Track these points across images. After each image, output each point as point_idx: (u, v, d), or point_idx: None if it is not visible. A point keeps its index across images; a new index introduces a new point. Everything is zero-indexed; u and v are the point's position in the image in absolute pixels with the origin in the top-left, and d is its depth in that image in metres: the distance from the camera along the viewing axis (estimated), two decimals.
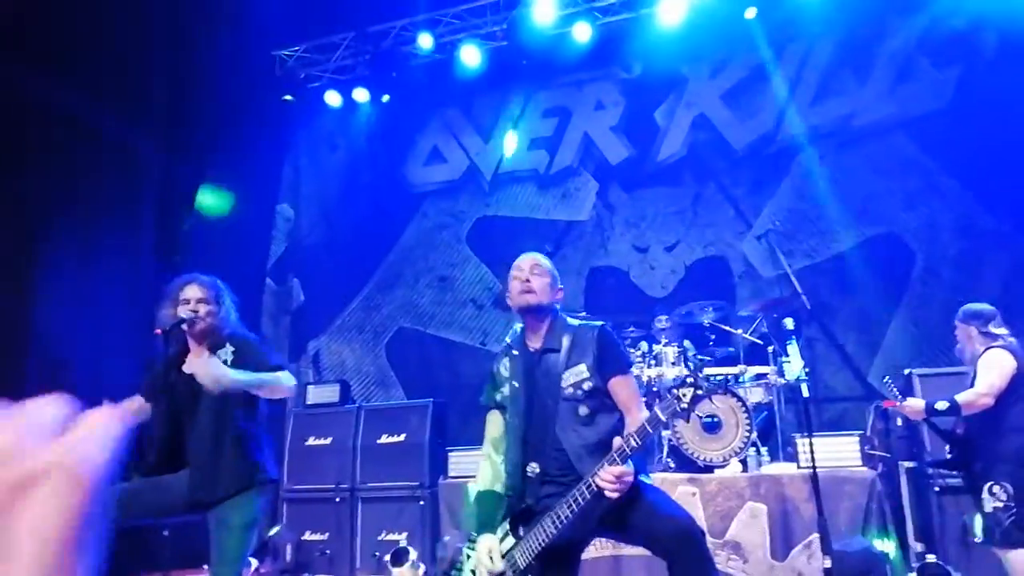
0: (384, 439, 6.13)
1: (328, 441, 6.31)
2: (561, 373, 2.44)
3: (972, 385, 3.53)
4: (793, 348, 3.43)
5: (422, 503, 5.78)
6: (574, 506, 2.26)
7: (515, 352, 2.59)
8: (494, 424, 2.62)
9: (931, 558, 4.23)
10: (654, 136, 6.95)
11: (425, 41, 7.13)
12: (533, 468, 2.42)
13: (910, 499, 4.65)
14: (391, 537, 5.80)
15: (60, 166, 6.05)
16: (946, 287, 5.79)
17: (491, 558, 2.38)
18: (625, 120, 7.10)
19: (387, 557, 5.48)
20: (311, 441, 6.40)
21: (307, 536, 6.09)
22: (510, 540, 2.41)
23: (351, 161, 7.84)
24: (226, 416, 2.84)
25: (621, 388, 2.45)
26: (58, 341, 5.79)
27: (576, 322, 2.59)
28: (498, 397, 2.59)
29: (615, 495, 2.19)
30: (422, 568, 5.35)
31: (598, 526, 2.36)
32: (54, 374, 5.75)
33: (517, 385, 2.53)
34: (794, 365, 3.35)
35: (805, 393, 3.29)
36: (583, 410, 2.41)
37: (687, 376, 2.25)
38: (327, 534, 6.05)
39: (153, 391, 2.98)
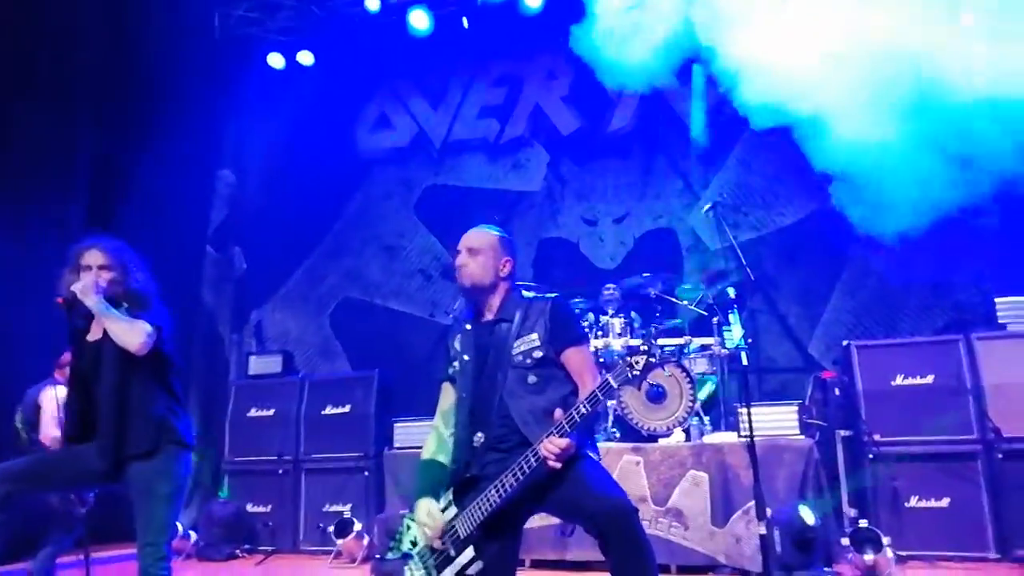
0: (329, 410, 6.04)
1: (271, 412, 6.20)
2: (512, 342, 2.44)
3: None
4: (734, 317, 3.46)
5: (367, 474, 5.74)
6: (519, 474, 2.26)
7: (468, 326, 2.60)
8: (446, 397, 2.61)
9: (863, 523, 4.37)
10: (605, 108, 6.91)
11: (372, 3, 6.92)
12: (479, 438, 2.41)
13: (845, 466, 4.79)
14: (335, 508, 5.75)
15: None
16: (883, 261, 5.93)
17: (431, 519, 2.39)
18: (576, 91, 7.03)
19: (331, 528, 5.44)
20: (253, 412, 6.28)
21: (250, 508, 5.99)
22: (452, 510, 2.40)
23: (296, 125, 7.60)
24: (129, 377, 2.75)
25: (574, 359, 2.44)
26: None
27: (530, 295, 2.59)
28: (450, 371, 2.59)
29: (557, 465, 2.20)
30: (366, 539, 5.32)
31: (536, 501, 2.34)
32: None
33: (467, 358, 2.53)
34: (735, 333, 3.39)
35: (744, 361, 3.33)
36: (532, 378, 2.40)
37: (640, 344, 2.22)
38: (270, 506, 5.97)
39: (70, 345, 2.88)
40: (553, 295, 2.59)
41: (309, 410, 6.10)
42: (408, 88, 7.58)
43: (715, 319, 5.37)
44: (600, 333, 5.47)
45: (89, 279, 2.75)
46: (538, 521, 4.90)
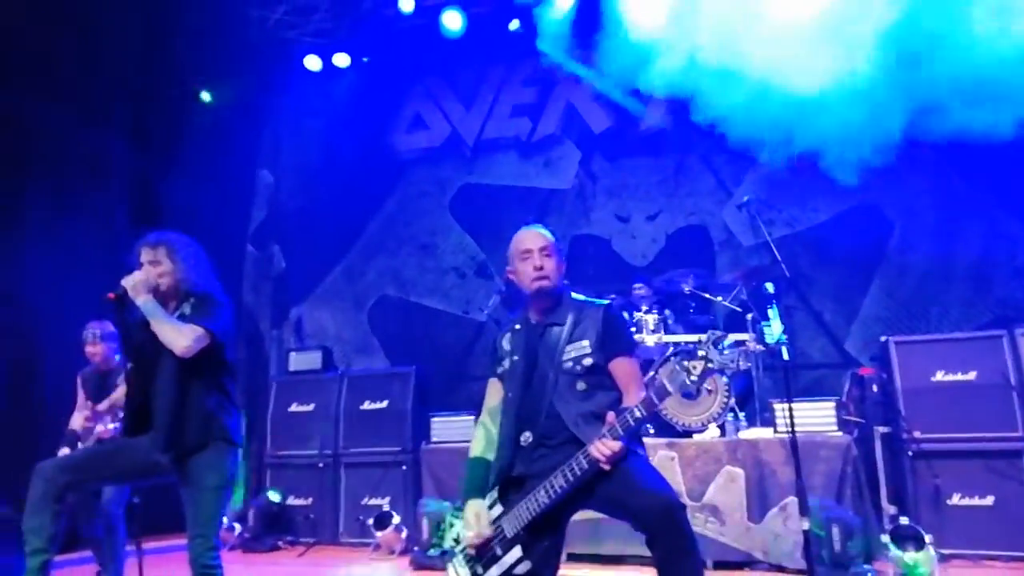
0: (367, 405, 6.15)
1: (311, 407, 6.33)
2: (563, 347, 2.43)
3: None
4: (773, 312, 3.47)
5: (404, 468, 5.83)
6: (570, 476, 2.27)
7: (517, 327, 2.61)
8: (494, 393, 2.62)
9: (904, 520, 4.34)
10: (638, 105, 6.90)
11: (406, 5, 7.00)
12: (526, 437, 2.42)
13: (884, 463, 4.76)
14: (374, 502, 5.85)
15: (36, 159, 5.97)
16: (922, 257, 5.87)
17: (478, 523, 2.41)
18: (608, 88, 7.03)
19: (370, 521, 5.54)
20: (294, 407, 6.41)
21: (291, 501, 6.12)
22: (499, 508, 2.42)
23: (332, 126, 7.73)
24: (189, 374, 2.80)
25: (621, 368, 2.43)
26: (32, 313, 5.72)
27: (581, 298, 2.58)
28: (499, 370, 2.60)
29: (607, 467, 2.22)
30: (405, 532, 5.42)
31: (583, 499, 2.34)
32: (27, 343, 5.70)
33: (517, 358, 2.53)
34: (774, 328, 3.39)
35: (785, 356, 3.33)
36: (581, 385, 2.42)
37: (698, 348, 2.20)
38: (311, 499, 6.09)
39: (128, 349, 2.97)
40: (606, 302, 2.57)
41: (348, 405, 6.21)
42: (442, 88, 7.66)
43: (749, 315, 5.36)
44: (633, 330, 5.50)
45: (140, 276, 2.81)
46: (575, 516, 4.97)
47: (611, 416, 2.25)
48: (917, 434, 4.64)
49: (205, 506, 2.77)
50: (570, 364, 2.42)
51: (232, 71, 7.37)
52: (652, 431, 5.19)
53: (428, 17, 7.08)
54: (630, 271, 6.52)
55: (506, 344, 2.61)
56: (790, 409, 3.67)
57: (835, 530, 4.00)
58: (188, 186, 7.00)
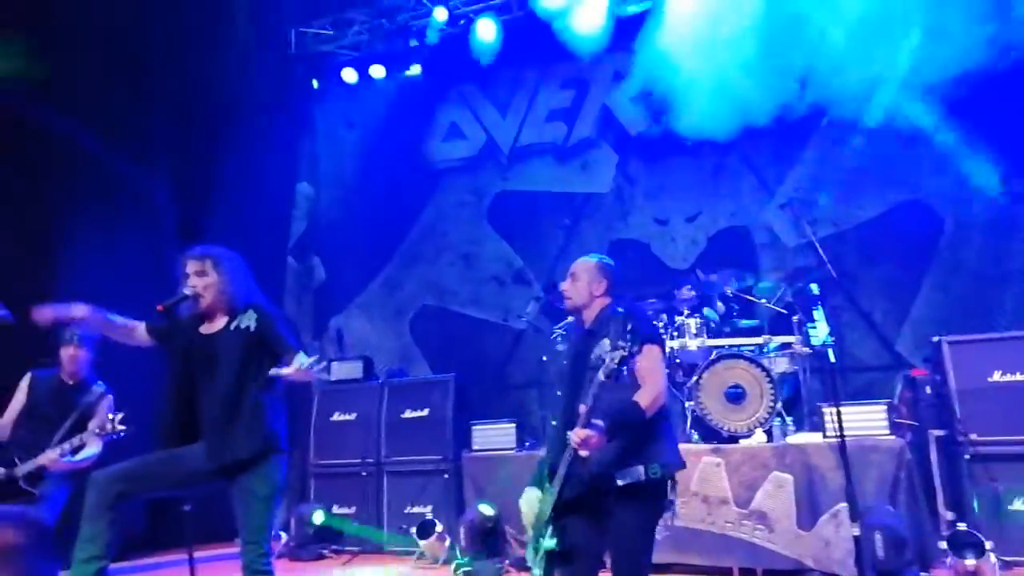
0: (408, 414, 6.17)
1: (353, 416, 6.38)
2: (592, 351, 2.69)
3: None
4: (819, 313, 3.38)
5: (446, 476, 5.83)
6: (564, 466, 2.57)
7: (571, 337, 3.04)
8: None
9: (962, 526, 4.18)
10: (674, 106, 6.82)
11: (440, 14, 7.06)
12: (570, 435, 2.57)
13: (940, 468, 4.59)
14: (417, 510, 5.86)
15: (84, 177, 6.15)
16: (975, 253, 5.67)
17: (526, 505, 2.75)
18: (644, 90, 6.97)
19: (414, 529, 5.55)
20: (336, 417, 6.47)
21: (335, 510, 6.17)
22: (549, 496, 2.68)
23: (369, 138, 7.81)
24: (245, 383, 2.85)
25: (640, 362, 2.58)
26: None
27: (622, 310, 2.74)
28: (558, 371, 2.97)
29: (583, 453, 2.46)
30: (448, 540, 5.41)
31: (591, 513, 2.60)
32: None
33: (566, 363, 2.91)
34: (820, 330, 3.30)
35: (832, 358, 3.23)
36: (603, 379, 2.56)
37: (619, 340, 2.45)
38: (354, 507, 6.13)
39: (165, 338, 3.02)
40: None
41: (389, 414, 6.24)
42: (477, 96, 7.69)
43: (795, 317, 5.24)
44: (676, 334, 5.42)
45: (303, 373, 2.74)
46: None
47: (582, 407, 2.49)
48: (974, 437, 4.46)
49: (257, 514, 2.81)
50: (595, 362, 2.64)
51: (272, 85, 7.50)
52: (697, 437, 5.11)
53: (462, 26, 7.12)
54: (671, 274, 6.44)
55: (563, 349, 3.08)
56: (838, 412, 3.56)
57: (877, 537, 3.86)
58: (229, 200, 7.13)
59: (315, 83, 7.71)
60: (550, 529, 2.59)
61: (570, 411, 2.67)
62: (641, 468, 2.52)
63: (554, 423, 2.87)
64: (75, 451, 3.81)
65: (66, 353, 3.99)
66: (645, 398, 2.53)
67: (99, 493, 2.77)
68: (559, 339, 5.89)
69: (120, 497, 2.79)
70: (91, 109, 6.17)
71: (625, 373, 2.48)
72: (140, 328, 3.07)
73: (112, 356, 4.10)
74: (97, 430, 3.62)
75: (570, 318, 5.56)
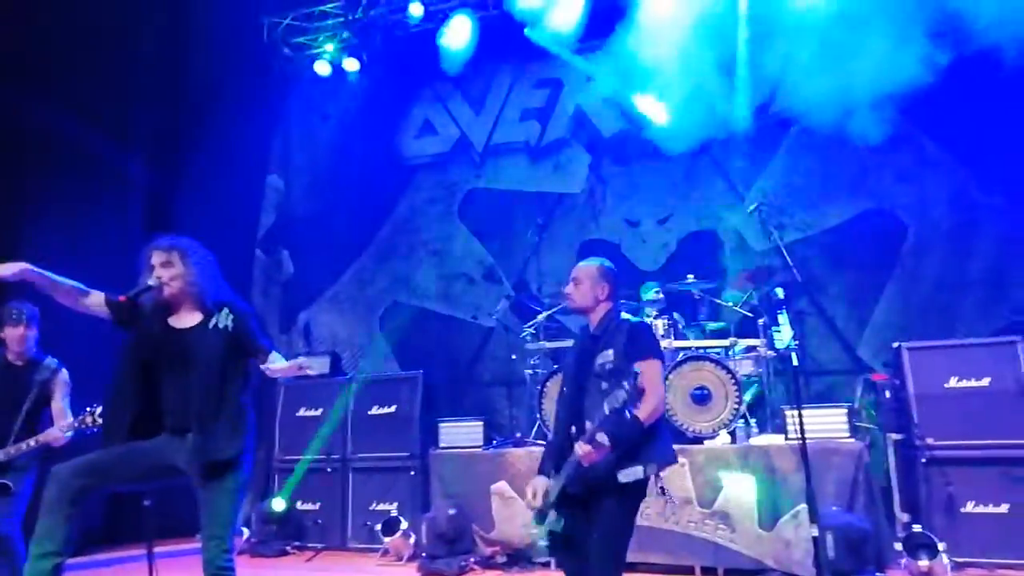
0: (375, 410, 6.14)
1: (319, 412, 6.32)
2: (595, 355, 2.90)
3: None
4: (784, 317, 3.44)
5: (413, 473, 5.81)
6: (571, 466, 2.78)
7: (578, 336, 3.16)
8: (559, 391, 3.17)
9: (917, 528, 4.29)
10: (647, 108, 6.87)
11: (416, 10, 7.02)
12: (574, 429, 2.87)
13: (897, 470, 4.70)
14: (382, 507, 5.84)
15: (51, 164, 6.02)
16: (937, 262, 5.81)
17: (533, 493, 2.93)
18: (618, 92, 7.01)
19: (378, 527, 5.53)
20: (302, 412, 6.41)
21: (300, 506, 6.11)
22: (555, 483, 2.89)
23: (342, 132, 7.74)
24: (228, 383, 2.84)
25: (641, 373, 2.73)
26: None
27: (626, 316, 3.03)
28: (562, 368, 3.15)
29: (585, 463, 2.71)
30: (413, 538, 5.39)
31: (585, 505, 2.82)
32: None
33: (570, 362, 3.10)
34: (784, 334, 3.37)
35: (795, 361, 3.30)
36: (603, 385, 2.81)
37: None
38: (319, 504, 6.08)
39: (127, 321, 2.93)
40: (636, 319, 3.04)
41: (356, 410, 6.20)
42: (451, 93, 7.66)
43: (760, 320, 5.32)
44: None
45: (292, 367, 2.92)
46: None
47: (589, 425, 2.71)
48: (930, 441, 4.57)
49: (222, 509, 2.78)
50: (598, 368, 2.88)
51: (243, 77, 7.40)
52: None
53: (437, 22, 7.08)
54: (641, 276, 6.49)
55: (571, 347, 3.22)
56: (800, 415, 3.63)
57: (829, 537, 3.94)
58: (198, 191, 7.04)
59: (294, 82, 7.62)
60: (554, 513, 2.84)
61: (573, 407, 2.92)
62: (640, 467, 2.75)
63: (559, 416, 3.07)
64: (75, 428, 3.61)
65: (11, 333, 3.80)
66: (644, 412, 2.73)
67: (60, 487, 2.70)
68: (528, 338, 5.92)
69: (82, 492, 2.73)
70: (64, 95, 6.06)
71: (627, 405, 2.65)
72: (96, 296, 2.92)
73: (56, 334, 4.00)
74: (76, 425, 3.49)
75: (540, 317, 5.66)
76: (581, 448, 2.68)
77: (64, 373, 3.89)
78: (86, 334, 3.41)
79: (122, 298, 2.86)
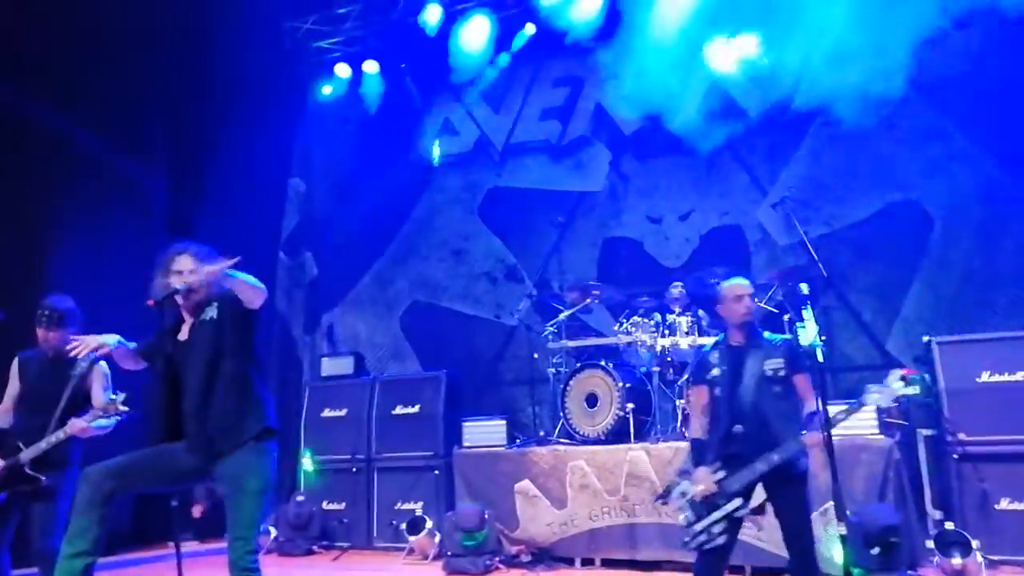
0: (399, 410, 6.16)
1: (343, 412, 6.36)
2: (763, 362, 3.30)
3: None
4: (808, 313, 3.39)
5: (437, 473, 5.83)
6: (782, 454, 3.15)
7: (722, 347, 3.48)
8: (701, 395, 3.47)
9: (949, 525, 4.20)
10: (668, 104, 6.82)
11: (433, 15, 7.04)
12: (738, 428, 3.25)
13: (928, 467, 4.61)
14: (407, 506, 5.86)
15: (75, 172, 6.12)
16: (966, 254, 5.69)
17: (707, 481, 3.23)
18: (638, 88, 6.96)
19: (403, 526, 5.55)
20: (327, 413, 6.45)
21: (325, 506, 6.16)
22: (722, 472, 3.24)
23: (363, 134, 7.79)
24: (217, 371, 2.84)
25: (802, 382, 3.29)
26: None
27: (767, 333, 3.47)
28: (707, 377, 3.43)
29: (811, 454, 3.21)
30: (438, 536, 5.40)
31: (774, 494, 3.25)
32: None
33: (725, 368, 3.39)
34: (809, 330, 3.32)
35: (820, 357, 3.25)
36: (777, 389, 3.26)
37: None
38: (344, 504, 6.12)
39: (152, 357, 3.00)
40: (788, 336, 3.65)
41: (380, 410, 6.23)
42: (470, 93, 7.66)
43: (786, 316, 5.25)
44: (667, 331, 5.43)
45: (214, 267, 2.78)
46: (607, 521, 4.92)
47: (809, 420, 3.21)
48: (962, 436, 4.48)
49: (246, 509, 2.78)
50: (771, 373, 3.28)
51: (265, 80, 7.47)
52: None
53: (456, 22, 7.10)
54: (663, 272, 6.44)
55: (713, 359, 3.46)
56: (826, 412, 3.56)
57: (865, 535, 3.88)
58: (221, 194, 7.11)
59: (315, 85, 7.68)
60: (739, 499, 3.20)
61: (737, 409, 3.30)
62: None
63: (708, 419, 3.41)
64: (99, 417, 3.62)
65: (42, 335, 3.80)
66: (813, 406, 3.30)
67: (92, 488, 2.75)
68: (550, 337, 5.90)
69: (113, 493, 2.77)
70: (84, 103, 6.14)
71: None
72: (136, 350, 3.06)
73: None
74: (101, 412, 3.53)
75: (561, 316, 5.63)
76: (811, 438, 3.12)
77: (103, 365, 3.86)
78: (124, 329, 3.45)
79: (150, 302, 2.88)
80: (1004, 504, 4.35)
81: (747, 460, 3.22)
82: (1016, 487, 4.35)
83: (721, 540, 3.26)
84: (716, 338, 3.63)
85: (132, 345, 3.03)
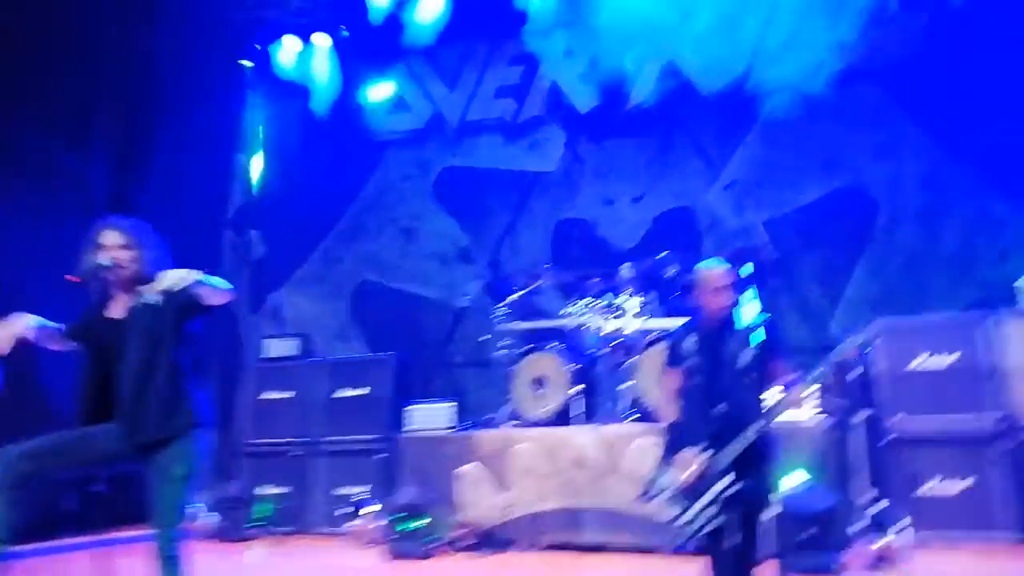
0: (345, 392, 6.06)
1: (288, 394, 6.23)
2: (740, 347, 3.19)
3: None
4: (749, 294, 3.40)
5: (383, 456, 5.75)
6: (769, 419, 3.09)
7: (698, 331, 3.34)
8: (675, 379, 3.35)
9: (882, 504, 4.28)
10: (624, 84, 6.77)
11: None
12: (721, 408, 3.15)
13: (864, 448, 4.68)
14: (351, 490, 5.77)
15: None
16: (909, 239, 5.78)
17: (694, 462, 3.10)
18: (594, 68, 6.89)
19: (347, 510, 5.47)
20: (272, 395, 6.32)
21: (267, 489, 6.04)
22: (708, 452, 3.11)
23: (312, 109, 7.57)
24: (154, 360, 2.75)
25: (778, 367, 3.21)
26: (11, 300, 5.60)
27: (741, 316, 3.31)
28: (684, 362, 3.31)
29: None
30: (382, 520, 5.33)
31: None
32: None
33: (703, 353, 3.28)
34: (750, 311, 3.34)
35: (763, 336, 3.29)
36: (754, 374, 3.17)
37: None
38: (286, 488, 6.01)
39: (80, 337, 2.88)
40: (767, 315, 3.44)
41: (326, 393, 6.12)
42: (424, 69, 7.50)
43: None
44: (618, 313, 5.41)
45: (184, 274, 2.70)
46: (551, 504, 4.91)
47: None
48: (898, 417, 4.57)
49: (171, 495, 2.72)
50: (749, 358, 3.17)
51: (211, 52, 7.22)
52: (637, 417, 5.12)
53: None
54: (616, 255, 6.42)
55: (689, 344, 3.34)
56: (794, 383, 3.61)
57: (799, 515, 3.93)
58: (165, 171, 6.89)
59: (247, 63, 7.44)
60: (730, 475, 3.06)
61: (719, 391, 3.19)
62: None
63: (684, 401, 3.31)
64: None
65: None
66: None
67: (6, 470, 2.63)
68: (501, 318, 5.84)
69: (29, 476, 2.67)
70: (21, 76, 5.86)
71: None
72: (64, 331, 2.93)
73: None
74: None
75: (512, 297, 5.57)
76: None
77: None
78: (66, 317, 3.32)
79: (70, 277, 2.77)
80: (932, 484, 4.46)
81: (732, 437, 3.11)
82: (944, 468, 4.45)
83: (720, 520, 3.09)
84: (686, 320, 3.48)
85: (57, 326, 2.90)
